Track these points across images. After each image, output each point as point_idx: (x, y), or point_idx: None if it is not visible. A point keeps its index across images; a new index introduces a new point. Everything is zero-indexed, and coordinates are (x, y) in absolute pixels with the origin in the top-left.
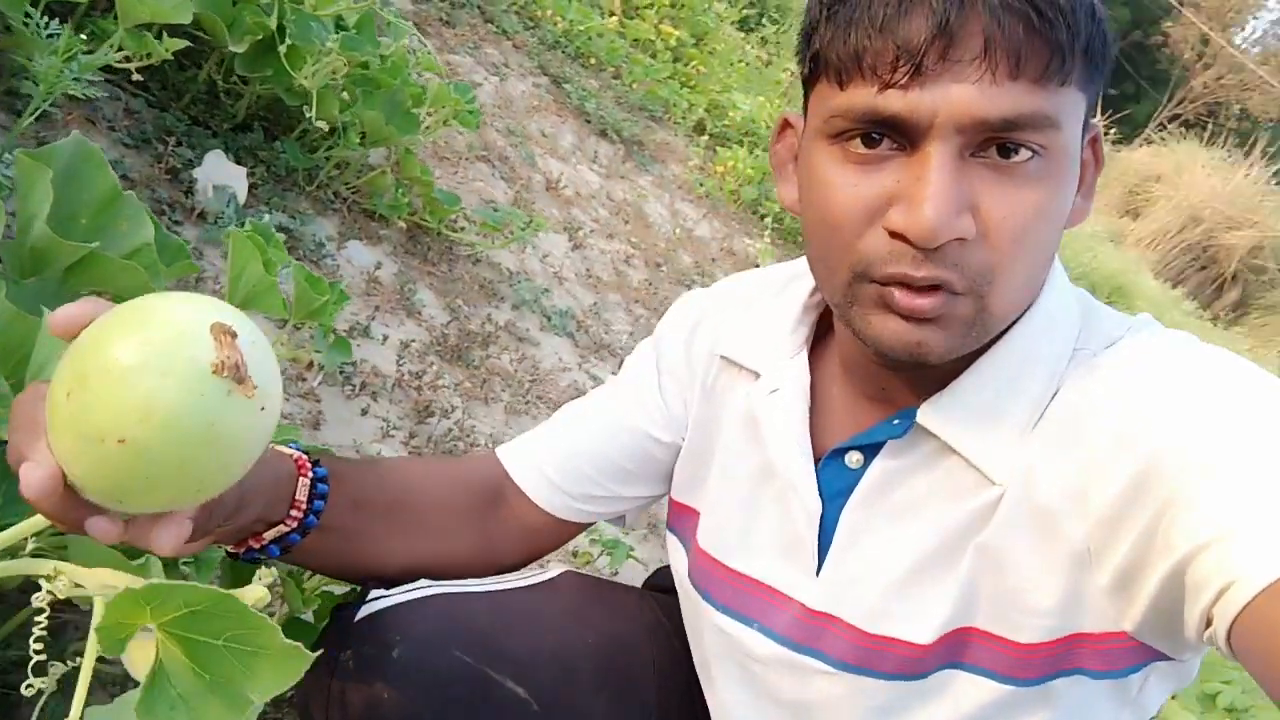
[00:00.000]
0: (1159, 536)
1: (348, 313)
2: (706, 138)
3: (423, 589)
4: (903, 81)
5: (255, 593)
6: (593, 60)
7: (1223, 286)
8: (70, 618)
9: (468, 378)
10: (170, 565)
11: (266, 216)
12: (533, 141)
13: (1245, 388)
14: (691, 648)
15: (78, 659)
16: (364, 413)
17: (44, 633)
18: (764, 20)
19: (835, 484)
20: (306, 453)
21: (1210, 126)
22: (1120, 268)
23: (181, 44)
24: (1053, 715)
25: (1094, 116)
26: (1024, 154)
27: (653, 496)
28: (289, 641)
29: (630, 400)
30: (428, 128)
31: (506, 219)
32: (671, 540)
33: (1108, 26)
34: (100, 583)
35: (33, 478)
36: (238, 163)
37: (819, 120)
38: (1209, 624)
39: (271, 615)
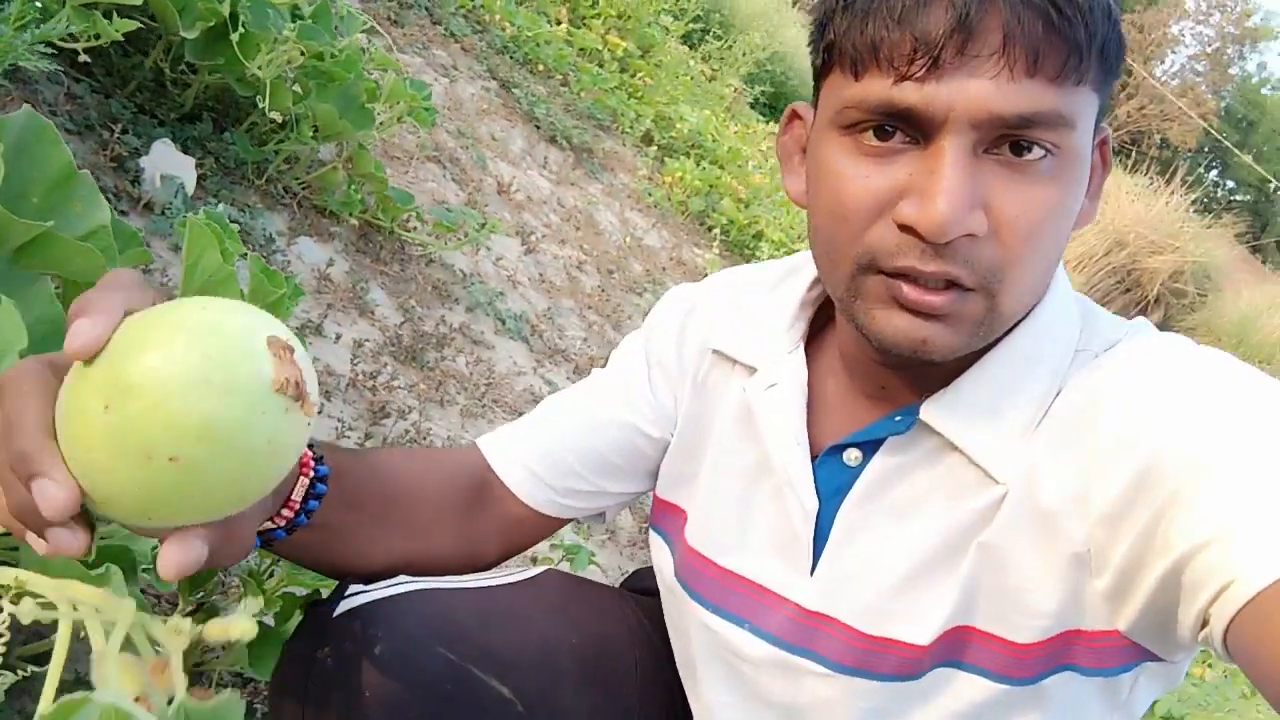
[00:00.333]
0: (1158, 536)
1: (299, 310)
2: (654, 148)
3: (404, 584)
4: (919, 74)
5: (241, 625)
6: (541, 67)
7: (1147, 309)
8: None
9: (423, 379)
10: (130, 573)
11: (217, 209)
12: (483, 144)
13: (1243, 389)
14: (675, 649)
15: (29, 668)
16: (318, 412)
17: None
18: (709, 36)
19: (833, 481)
20: (311, 446)
21: (1134, 154)
22: None
23: (132, 25)
24: (1044, 716)
25: (1105, 119)
26: (1037, 152)
27: (636, 493)
28: None
29: (618, 393)
30: (382, 123)
31: (461, 220)
32: (655, 539)
33: (1123, 29)
34: (66, 597)
35: (55, 500)
36: (185, 153)
37: (831, 111)
38: (1205, 624)
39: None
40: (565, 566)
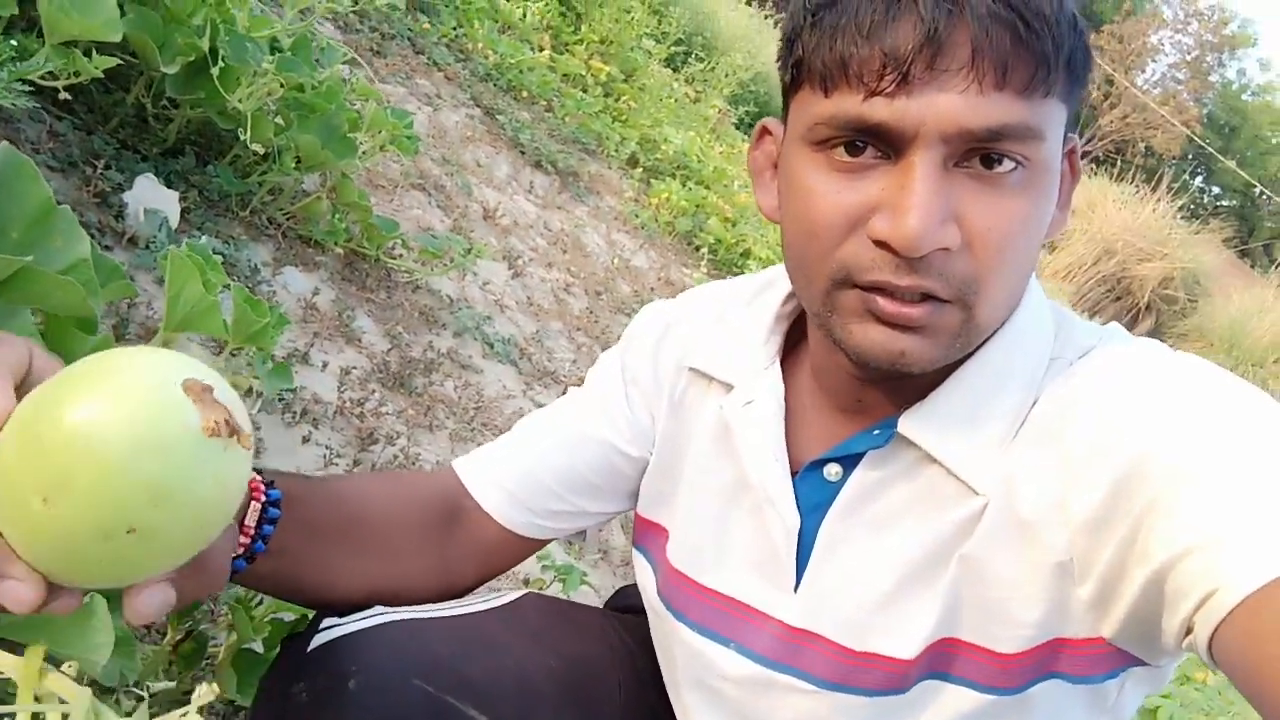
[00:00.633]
0: (1138, 544)
1: (285, 340)
2: (640, 170)
3: (378, 616)
4: (889, 89)
5: None
6: (525, 93)
7: (1138, 316)
8: None
9: (411, 405)
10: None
11: (201, 241)
12: (468, 171)
13: (1218, 393)
14: (662, 668)
15: None
16: (305, 440)
17: None
18: (691, 58)
19: (813, 497)
20: (259, 473)
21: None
22: None
23: (112, 62)
24: None
25: (1073, 130)
26: (1007, 164)
27: (616, 512)
28: None
29: (595, 412)
30: (365, 152)
31: (446, 246)
32: (638, 558)
33: (1089, 40)
34: (23, 677)
35: (26, 599)
36: (168, 187)
37: (801, 128)
38: (1189, 632)
39: (218, 645)
40: (557, 588)
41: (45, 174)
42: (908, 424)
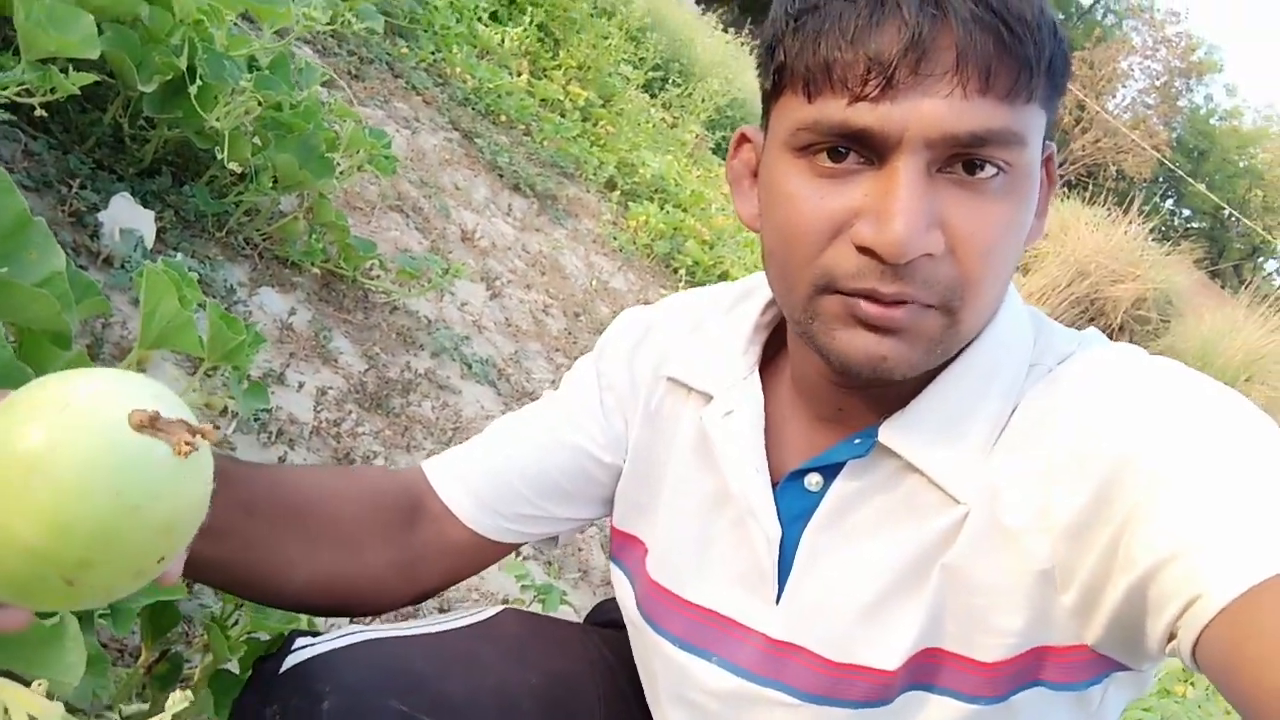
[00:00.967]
0: (1120, 550)
1: (261, 360)
2: (618, 194)
3: (351, 635)
4: (873, 94)
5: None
6: (503, 117)
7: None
8: None
9: (388, 425)
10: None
11: (177, 259)
12: (446, 194)
13: (1198, 398)
14: (643, 683)
15: None
16: (281, 460)
17: None
18: (668, 84)
19: (794, 508)
20: None
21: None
22: None
23: (89, 78)
24: None
25: (1051, 138)
26: (990, 170)
27: (587, 519)
28: None
29: (569, 416)
30: (342, 173)
31: (424, 266)
32: (616, 572)
33: (1068, 46)
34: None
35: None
36: (145, 207)
37: (784, 133)
38: (1173, 637)
39: (194, 667)
40: (537, 607)
41: (20, 194)
42: (888, 433)
